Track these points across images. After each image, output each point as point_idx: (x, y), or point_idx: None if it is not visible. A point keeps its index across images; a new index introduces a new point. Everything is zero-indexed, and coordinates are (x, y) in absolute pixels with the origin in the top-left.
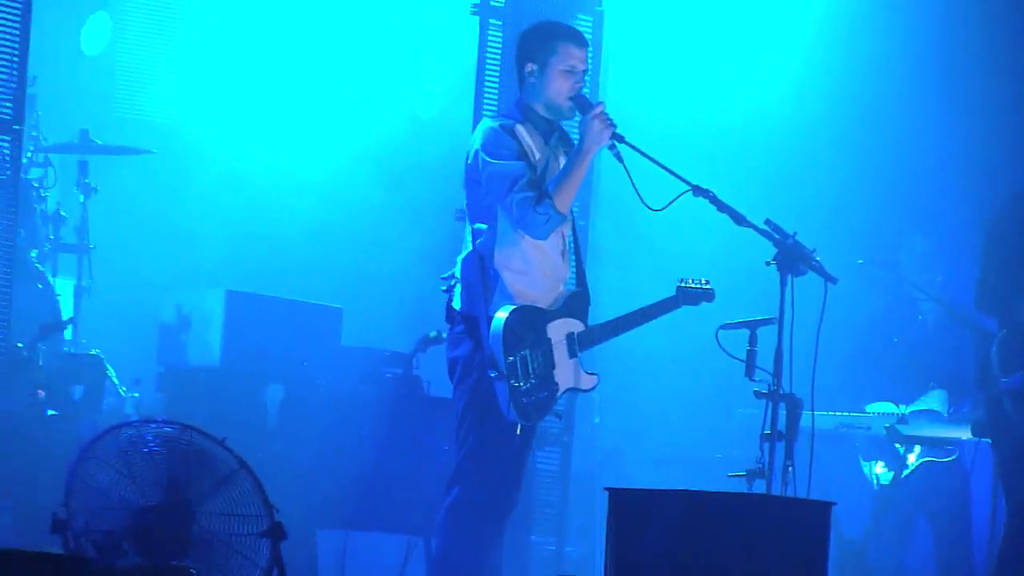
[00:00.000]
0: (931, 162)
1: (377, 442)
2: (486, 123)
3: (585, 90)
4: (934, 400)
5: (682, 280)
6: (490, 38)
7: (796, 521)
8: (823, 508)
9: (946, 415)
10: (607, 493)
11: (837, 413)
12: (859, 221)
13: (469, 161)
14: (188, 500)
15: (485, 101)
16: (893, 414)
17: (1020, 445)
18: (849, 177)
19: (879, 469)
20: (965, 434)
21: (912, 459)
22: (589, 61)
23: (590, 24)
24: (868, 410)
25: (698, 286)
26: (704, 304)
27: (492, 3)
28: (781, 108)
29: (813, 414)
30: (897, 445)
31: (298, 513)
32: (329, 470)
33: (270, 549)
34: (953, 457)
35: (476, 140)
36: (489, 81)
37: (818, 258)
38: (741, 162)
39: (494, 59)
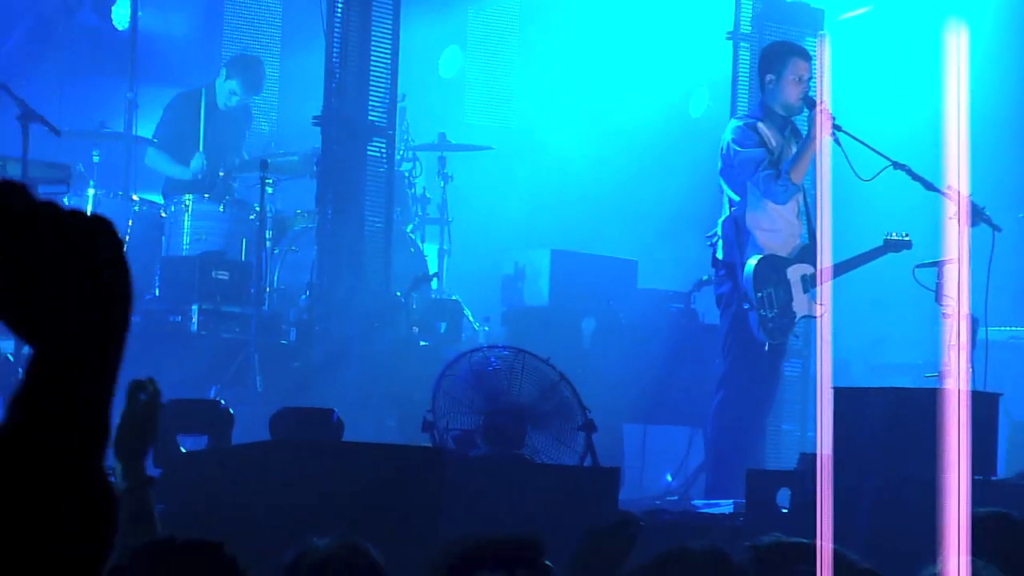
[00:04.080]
0: None
1: (665, 358)
2: (733, 123)
3: (811, 92)
4: None
5: (888, 233)
6: (740, 56)
7: (974, 407)
8: (992, 397)
9: None
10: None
11: (1005, 328)
12: (1018, 185)
13: (723, 151)
14: (522, 405)
15: (738, 103)
16: None
17: None
18: (1009, 153)
19: None
20: None
21: None
22: (813, 71)
23: (814, 43)
24: None
25: (899, 238)
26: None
27: (742, 31)
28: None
29: (987, 329)
30: None
31: (607, 412)
32: (630, 379)
33: (584, 439)
34: None
35: (727, 135)
36: (741, 88)
37: (987, 213)
38: (929, 145)
39: (744, 72)
